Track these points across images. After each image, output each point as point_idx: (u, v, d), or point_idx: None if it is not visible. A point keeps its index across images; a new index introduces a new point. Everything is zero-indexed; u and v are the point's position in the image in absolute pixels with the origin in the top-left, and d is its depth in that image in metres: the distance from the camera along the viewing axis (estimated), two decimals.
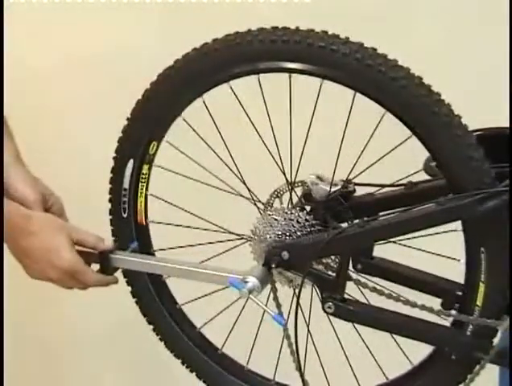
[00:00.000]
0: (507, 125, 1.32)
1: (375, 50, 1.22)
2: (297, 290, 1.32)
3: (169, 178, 1.43)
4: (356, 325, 1.34)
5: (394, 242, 1.31)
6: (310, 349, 1.39)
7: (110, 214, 1.43)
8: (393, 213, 1.28)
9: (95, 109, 2.18)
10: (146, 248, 1.44)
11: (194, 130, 1.39)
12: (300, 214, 1.33)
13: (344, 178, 1.34)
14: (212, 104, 1.34)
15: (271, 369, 1.44)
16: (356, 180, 1.35)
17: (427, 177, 1.31)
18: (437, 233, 1.28)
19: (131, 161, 1.39)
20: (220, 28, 1.30)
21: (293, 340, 1.32)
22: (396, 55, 1.22)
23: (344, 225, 1.31)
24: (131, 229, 1.42)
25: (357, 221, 1.30)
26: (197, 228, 1.41)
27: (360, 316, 1.31)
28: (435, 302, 1.31)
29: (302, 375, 1.37)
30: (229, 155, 1.39)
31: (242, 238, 1.37)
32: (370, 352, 1.42)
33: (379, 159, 1.29)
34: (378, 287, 1.31)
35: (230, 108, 1.34)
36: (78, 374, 2.45)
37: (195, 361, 1.46)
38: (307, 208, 1.34)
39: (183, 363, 1.47)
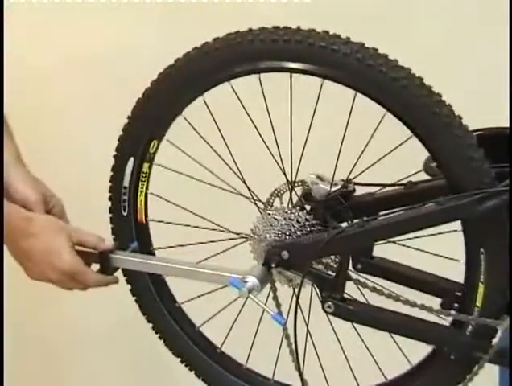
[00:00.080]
0: (507, 125, 1.32)
1: (376, 50, 1.22)
2: (296, 290, 1.32)
3: (169, 177, 1.43)
4: (355, 324, 1.34)
5: (394, 242, 1.31)
6: (309, 348, 1.39)
7: (110, 212, 1.43)
8: (393, 213, 1.28)
9: (95, 109, 2.18)
10: (145, 247, 1.44)
11: (195, 129, 1.39)
12: (300, 213, 1.33)
13: (344, 178, 1.34)
14: (213, 103, 1.34)
15: (271, 368, 1.44)
16: (356, 180, 1.35)
17: (427, 177, 1.31)
18: (438, 234, 1.29)
19: (131, 159, 1.39)
20: (220, 28, 1.30)
21: (292, 340, 1.32)
22: (396, 55, 1.22)
23: (344, 225, 1.31)
24: (131, 228, 1.42)
25: (356, 221, 1.30)
26: (197, 227, 1.41)
27: (359, 316, 1.31)
28: (435, 302, 1.31)
29: (301, 375, 1.37)
30: (229, 154, 1.39)
31: (242, 237, 1.37)
32: (369, 352, 1.42)
33: (379, 159, 1.29)
34: (378, 287, 1.31)
35: (231, 107, 1.34)
36: (78, 374, 2.45)
37: (194, 360, 1.46)
38: (307, 208, 1.34)
39: (182, 362, 1.47)
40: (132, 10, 2.12)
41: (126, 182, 1.40)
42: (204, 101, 1.34)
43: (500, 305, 1.25)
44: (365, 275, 1.34)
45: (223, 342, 1.47)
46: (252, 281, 1.30)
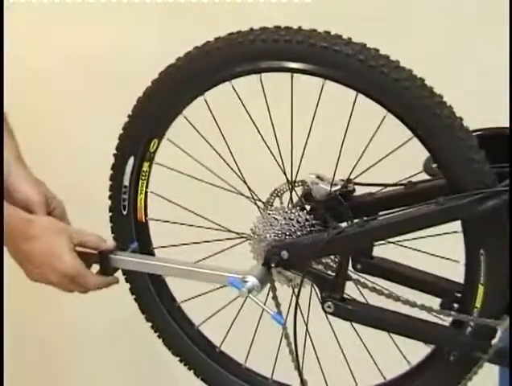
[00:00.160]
0: (507, 125, 1.32)
1: (378, 51, 1.22)
2: (296, 290, 1.32)
3: (169, 176, 1.43)
4: (355, 325, 1.34)
5: (394, 243, 1.31)
6: (308, 348, 1.39)
7: (110, 211, 1.43)
8: (392, 213, 1.28)
9: (95, 109, 2.18)
10: (145, 246, 1.44)
11: (195, 128, 1.39)
12: (300, 213, 1.33)
13: (344, 178, 1.34)
14: (214, 102, 1.34)
15: (270, 368, 1.44)
16: (355, 180, 1.35)
17: (427, 177, 1.31)
18: (438, 235, 1.29)
19: (132, 158, 1.39)
20: (220, 28, 1.30)
21: (292, 339, 1.32)
22: (396, 55, 1.22)
23: (344, 225, 1.31)
24: (131, 226, 1.42)
25: (356, 221, 1.30)
26: (197, 226, 1.41)
27: (359, 315, 1.31)
28: (435, 302, 1.31)
29: (301, 375, 1.37)
30: (229, 154, 1.39)
31: (242, 237, 1.37)
32: (368, 352, 1.42)
33: (380, 160, 1.29)
34: (378, 287, 1.31)
35: (232, 106, 1.34)
36: (78, 374, 2.45)
37: (193, 359, 1.46)
38: (307, 208, 1.34)
39: (181, 361, 1.47)
40: (132, 10, 2.13)
41: (126, 181, 1.40)
42: (205, 100, 1.34)
43: (500, 305, 1.25)
44: (364, 275, 1.34)
45: (222, 342, 1.47)
46: (252, 281, 1.30)
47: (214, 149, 1.41)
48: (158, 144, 1.38)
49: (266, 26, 1.27)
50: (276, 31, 1.25)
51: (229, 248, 1.38)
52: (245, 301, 1.33)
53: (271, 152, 1.36)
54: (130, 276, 1.45)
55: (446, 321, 1.31)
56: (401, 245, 1.32)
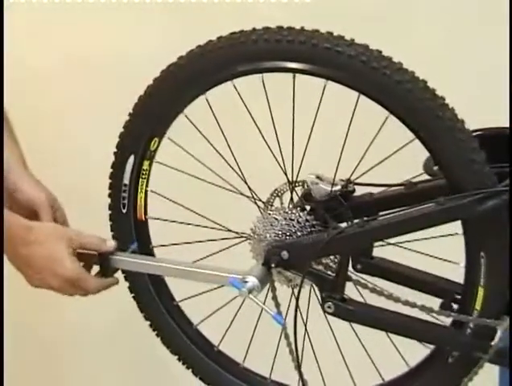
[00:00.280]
0: (507, 125, 1.32)
1: (380, 52, 1.22)
2: (296, 290, 1.32)
3: (170, 175, 1.43)
4: (354, 325, 1.34)
5: (394, 244, 1.31)
6: (308, 348, 1.39)
7: (110, 209, 1.43)
8: (393, 213, 1.28)
9: (95, 109, 2.18)
10: (145, 245, 1.44)
11: (196, 128, 1.39)
12: (301, 214, 1.33)
13: (344, 178, 1.34)
14: (215, 101, 1.34)
15: (268, 367, 1.44)
16: (355, 180, 1.35)
17: (427, 177, 1.31)
18: (439, 237, 1.29)
19: (132, 156, 1.38)
20: (220, 28, 1.30)
21: (292, 339, 1.32)
22: (396, 55, 1.22)
23: (344, 225, 1.31)
24: (130, 225, 1.42)
25: (356, 221, 1.30)
26: (196, 225, 1.41)
27: (359, 316, 1.31)
28: (435, 302, 1.31)
29: (301, 375, 1.37)
30: (230, 153, 1.39)
31: (242, 236, 1.37)
32: (367, 353, 1.42)
33: (382, 161, 1.29)
34: (378, 287, 1.31)
35: (233, 106, 1.34)
36: (78, 374, 2.45)
37: (191, 358, 1.46)
38: (307, 208, 1.34)
39: (179, 360, 1.47)
40: (132, 10, 2.12)
41: (126, 180, 1.40)
42: (207, 100, 1.34)
43: (499, 306, 1.25)
44: (364, 275, 1.34)
45: (220, 341, 1.47)
46: (252, 281, 1.30)
47: (215, 149, 1.41)
48: (159, 143, 1.38)
49: (266, 26, 1.27)
50: (279, 31, 1.25)
51: (229, 248, 1.38)
52: (244, 300, 1.33)
53: (272, 152, 1.36)
54: (129, 275, 1.45)
55: (446, 321, 1.31)
56: (401, 247, 1.32)
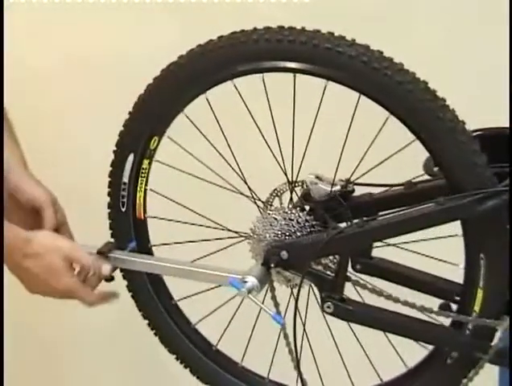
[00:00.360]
0: (507, 125, 1.32)
1: (381, 53, 1.22)
2: (295, 290, 1.32)
3: (169, 174, 1.43)
4: (353, 326, 1.34)
5: (393, 245, 1.31)
6: (306, 348, 1.39)
7: (109, 207, 1.43)
8: (392, 213, 1.28)
9: (95, 109, 2.18)
10: (143, 244, 1.44)
11: (196, 127, 1.39)
12: (300, 214, 1.33)
13: (343, 178, 1.34)
14: (215, 101, 1.34)
15: (266, 367, 1.44)
16: (354, 179, 1.35)
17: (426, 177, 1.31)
18: (439, 238, 1.29)
19: (132, 155, 1.38)
20: (220, 28, 1.30)
21: (291, 339, 1.32)
22: (396, 55, 1.22)
23: (344, 225, 1.31)
24: (129, 224, 1.42)
25: (356, 221, 1.30)
26: (196, 225, 1.41)
27: (359, 316, 1.31)
28: (434, 303, 1.30)
29: (300, 375, 1.37)
30: (230, 153, 1.39)
31: (241, 236, 1.37)
32: (365, 353, 1.42)
33: (382, 162, 1.29)
34: (377, 287, 1.31)
35: (233, 105, 1.34)
36: (78, 374, 2.45)
37: (189, 357, 1.46)
38: (307, 208, 1.34)
39: (177, 359, 1.47)
40: (132, 10, 2.12)
41: (126, 178, 1.40)
42: (207, 99, 1.33)
43: (499, 307, 1.25)
44: (364, 275, 1.34)
45: (218, 340, 1.47)
46: (251, 281, 1.30)
47: (215, 148, 1.41)
48: (159, 141, 1.38)
49: (267, 26, 1.27)
50: (280, 31, 1.25)
51: (228, 247, 1.38)
52: (242, 300, 1.33)
53: (272, 152, 1.36)
54: (128, 273, 1.45)
55: (445, 322, 1.31)
56: (400, 247, 1.32)
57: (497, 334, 1.26)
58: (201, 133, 1.40)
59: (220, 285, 1.36)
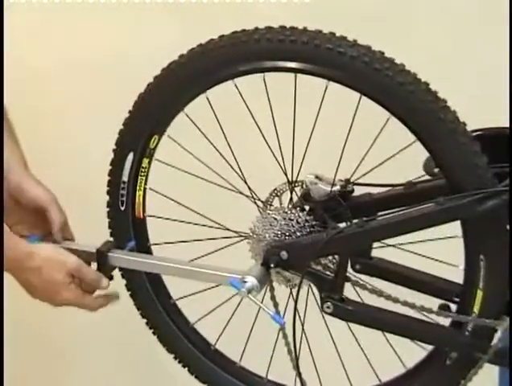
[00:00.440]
0: (507, 125, 1.32)
1: (383, 53, 1.22)
2: (294, 290, 1.32)
3: (169, 173, 1.43)
4: (352, 326, 1.34)
5: (393, 246, 1.31)
6: (306, 349, 1.39)
7: (108, 206, 1.43)
8: (392, 213, 1.28)
9: (95, 109, 2.18)
10: (143, 243, 1.44)
11: (196, 126, 1.39)
12: (300, 214, 1.33)
13: (343, 178, 1.34)
14: (216, 100, 1.34)
15: (265, 367, 1.44)
16: (354, 179, 1.35)
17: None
18: (439, 239, 1.29)
19: (131, 154, 1.38)
20: (219, 28, 1.30)
21: (290, 339, 1.32)
22: (395, 55, 1.22)
23: (343, 225, 1.31)
24: (128, 223, 1.42)
25: (355, 221, 1.30)
26: (195, 224, 1.41)
27: (359, 316, 1.31)
28: (433, 303, 1.30)
29: (300, 375, 1.37)
30: (230, 152, 1.39)
31: (241, 236, 1.37)
32: (364, 353, 1.42)
33: (383, 163, 1.29)
34: (376, 288, 1.31)
35: (233, 105, 1.34)
36: (77, 373, 2.45)
37: (187, 356, 1.46)
38: (307, 208, 1.34)
39: (175, 358, 1.47)
40: (132, 10, 2.12)
41: (125, 177, 1.40)
42: (207, 98, 1.33)
43: (498, 308, 1.25)
44: (363, 275, 1.34)
45: (217, 340, 1.47)
46: (251, 281, 1.30)
47: (215, 148, 1.41)
48: (159, 140, 1.38)
49: (268, 25, 1.26)
50: (281, 31, 1.25)
51: (227, 247, 1.38)
52: (241, 300, 1.33)
53: (272, 151, 1.36)
54: (126, 272, 1.45)
55: (444, 322, 1.31)
56: (400, 248, 1.32)
57: (497, 335, 1.26)
58: (201, 132, 1.40)
59: (219, 285, 1.35)
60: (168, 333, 1.46)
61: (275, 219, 1.33)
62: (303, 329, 1.36)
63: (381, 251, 1.35)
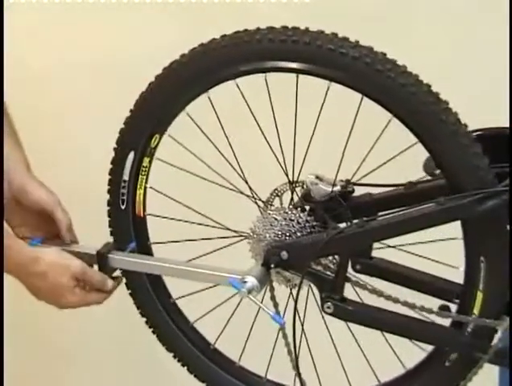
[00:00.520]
0: (507, 125, 1.32)
1: (385, 55, 1.22)
2: (294, 290, 1.32)
3: (170, 173, 1.43)
4: (352, 326, 1.34)
5: (394, 247, 1.31)
6: (305, 349, 1.39)
7: (108, 205, 1.42)
8: (392, 213, 1.28)
9: (95, 109, 2.18)
10: (143, 242, 1.44)
11: (197, 126, 1.39)
12: (300, 214, 1.33)
13: (344, 179, 1.34)
14: (217, 100, 1.34)
15: (264, 367, 1.44)
16: (355, 180, 1.35)
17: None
18: (439, 240, 1.29)
19: (132, 153, 1.38)
20: (220, 28, 1.30)
21: (290, 340, 1.32)
22: (395, 55, 1.22)
23: (344, 225, 1.31)
24: (129, 221, 1.42)
25: (356, 221, 1.30)
26: (195, 223, 1.41)
27: (359, 316, 1.31)
28: (434, 303, 1.30)
29: (299, 375, 1.37)
30: (231, 152, 1.39)
31: (241, 235, 1.37)
32: (364, 354, 1.42)
33: (383, 164, 1.29)
34: (377, 288, 1.31)
35: (235, 105, 1.34)
36: (77, 372, 2.45)
37: (187, 356, 1.46)
38: (307, 208, 1.34)
39: (174, 357, 1.47)
40: (132, 10, 2.12)
41: (126, 176, 1.39)
42: (209, 98, 1.33)
43: (498, 308, 1.25)
44: (363, 276, 1.34)
45: (216, 339, 1.47)
46: (251, 281, 1.30)
47: (216, 147, 1.41)
48: (160, 140, 1.38)
49: (270, 25, 1.26)
50: (283, 32, 1.25)
51: (228, 247, 1.38)
52: (241, 299, 1.33)
53: (273, 152, 1.36)
54: (127, 271, 1.45)
55: (444, 322, 1.31)
56: (400, 249, 1.32)
57: (497, 335, 1.26)
58: (202, 131, 1.40)
59: (219, 284, 1.36)
60: (168, 332, 1.46)
61: (276, 219, 1.33)
62: (302, 329, 1.36)
63: (381, 251, 1.35)
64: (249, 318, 1.40)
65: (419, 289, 1.33)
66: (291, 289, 1.35)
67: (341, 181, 1.34)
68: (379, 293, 1.29)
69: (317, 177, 1.33)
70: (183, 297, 1.47)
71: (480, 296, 1.24)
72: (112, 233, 1.44)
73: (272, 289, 1.38)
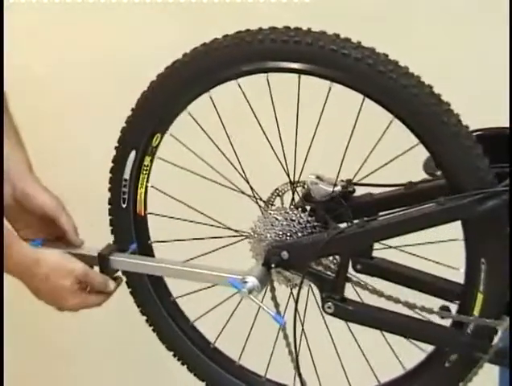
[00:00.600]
0: (507, 125, 1.32)
1: (387, 56, 1.22)
2: (295, 290, 1.32)
3: (171, 172, 1.43)
4: (352, 327, 1.34)
5: (394, 247, 1.31)
6: (305, 349, 1.39)
7: (109, 203, 1.42)
8: (393, 213, 1.28)
9: (95, 109, 2.18)
10: (144, 241, 1.44)
11: (199, 125, 1.39)
12: (301, 214, 1.33)
13: (344, 179, 1.34)
14: (219, 99, 1.34)
15: (264, 366, 1.44)
16: (355, 180, 1.35)
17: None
18: (439, 241, 1.29)
19: (133, 152, 1.38)
20: (220, 28, 1.30)
21: (291, 340, 1.32)
22: (396, 55, 1.22)
23: (344, 225, 1.31)
24: (129, 220, 1.42)
25: (356, 221, 1.30)
26: (196, 223, 1.41)
27: (360, 316, 1.31)
28: (434, 303, 1.30)
29: (300, 375, 1.37)
30: (232, 151, 1.39)
31: (242, 235, 1.37)
32: (363, 354, 1.42)
33: (384, 165, 1.29)
34: (377, 288, 1.31)
35: (237, 104, 1.34)
36: (76, 370, 2.45)
37: (187, 354, 1.46)
38: (308, 208, 1.34)
39: (174, 356, 1.47)
40: (132, 10, 2.12)
41: (127, 175, 1.40)
42: (210, 98, 1.33)
43: (499, 309, 1.25)
44: (364, 276, 1.34)
45: (216, 338, 1.47)
46: (252, 281, 1.30)
47: (217, 147, 1.41)
48: (161, 139, 1.38)
49: (272, 26, 1.26)
50: (285, 32, 1.25)
51: (228, 246, 1.38)
52: (241, 299, 1.33)
53: (274, 152, 1.36)
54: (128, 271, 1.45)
55: (444, 322, 1.31)
56: (401, 250, 1.32)
57: (498, 334, 1.26)
58: (204, 131, 1.40)
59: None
60: (168, 330, 1.46)
61: (277, 219, 1.33)
62: (303, 329, 1.36)
63: (381, 251, 1.35)
64: (249, 316, 1.40)
65: (420, 289, 1.33)
66: (291, 289, 1.35)
67: (342, 181, 1.34)
68: (380, 294, 1.29)
69: (318, 177, 1.33)
70: (183, 295, 1.47)
71: (480, 297, 1.24)
72: (112, 232, 1.44)
73: (273, 290, 1.38)
